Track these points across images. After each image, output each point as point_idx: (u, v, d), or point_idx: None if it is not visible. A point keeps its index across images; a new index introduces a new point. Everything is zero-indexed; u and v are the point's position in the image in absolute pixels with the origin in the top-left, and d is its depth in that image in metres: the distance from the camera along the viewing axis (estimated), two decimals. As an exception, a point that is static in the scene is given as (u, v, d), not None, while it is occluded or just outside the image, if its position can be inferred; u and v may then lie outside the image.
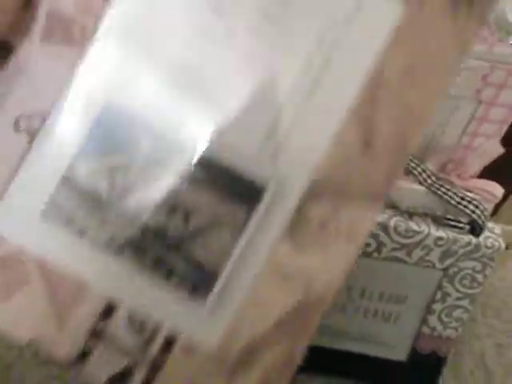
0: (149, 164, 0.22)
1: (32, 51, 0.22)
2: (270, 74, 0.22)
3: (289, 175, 0.22)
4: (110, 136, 0.22)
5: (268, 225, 0.22)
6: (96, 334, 0.22)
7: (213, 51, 0.22)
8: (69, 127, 0.22)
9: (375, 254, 0.42)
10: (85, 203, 0.22)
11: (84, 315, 0.22)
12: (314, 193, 0.22)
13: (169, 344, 0.22)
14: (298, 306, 0.22)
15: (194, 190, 0.22)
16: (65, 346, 0.22)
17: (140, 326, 0.22)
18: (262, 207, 0.22)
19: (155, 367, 0.22)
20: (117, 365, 0.22)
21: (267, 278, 0.22)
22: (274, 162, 0.22)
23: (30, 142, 0.22)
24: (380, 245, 0.41)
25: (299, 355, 0.22)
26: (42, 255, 0.22)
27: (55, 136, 0.22)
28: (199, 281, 0.22)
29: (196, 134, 0.22)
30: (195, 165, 0.22)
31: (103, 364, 0.22)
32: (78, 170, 0.22)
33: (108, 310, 0.22)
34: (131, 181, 0.22)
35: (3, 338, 0.22)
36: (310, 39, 0.22)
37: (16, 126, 0.22)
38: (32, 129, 0.22)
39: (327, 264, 0.22)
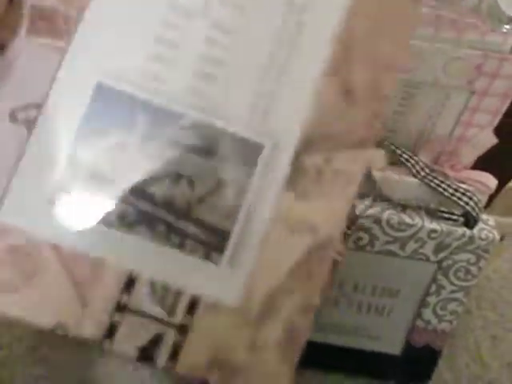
0: (146, 140, 0.23)
1: (20, 45, 0.23)
2: (247, 41, 0.24)
3: (281, 131, 0.23)
4: (105, 115, 0.23)
5: (269, 180, 0.23)
6: (120, 309, 0.23)
7: (190, 23, 0.23)
8: (64, 112, 0.23)
9: (368, 248, 0.41)
10: (90, 184, 0.23)
11: (105, 292, 0.23)
12: (306, 144, 0.24)
13: (193, 306, 0.23)
14: (309, 250, 0.23)
15: (195, 157, 0.23)
16: (91, 325, 0.23)
17: (162, 294, 0.23)
18: (260, 165, 0.23)
19: (183, 330, 0.23)
20: (145, 335, 0.23)
21: (276, 229, 0.23)
22: (266, 121, 0.23)
23: (29, 131, 0.23)
24: (373, 238, 0.41)
25: (318, 298, 0.24)
26: (56, 239, 0.23)
27: (52, 123, 0.23)
28: (212, 242, 0.23)
29: (187, 105, 0.23)
30: (192, 133, 0.23)
31: (131, 336, 0.23)
32: (78, 153, 0.23)
33: (129, 284, 0.23)
34: (131, 157, 0.23)
35: (30, 324, 0.22)
36: (280, 4, 0.24)
37: (13, 117, 0.23)
38: (29, 119, 0.23)
39: (329, 207, 0.24)
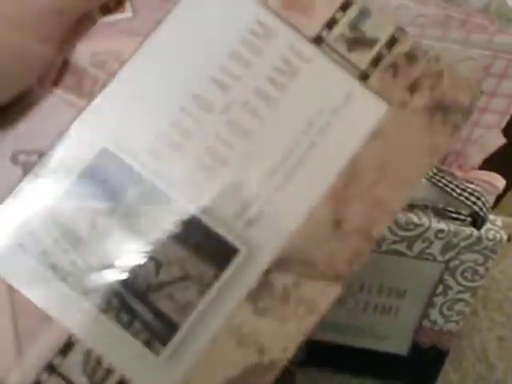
0: (131, 213, 0.23)
1: (42, 93, 0.24)
2: (254, 148, 0.24)
3: (260, 244, 0.23)
4: (100, 180, 0.23)
5: (234, 287, 0.23)
6: (50, 369, 0.22)
7: (207, 119, 0.24)
8: (63, 166, 0.23)
9: (375, 247, 0.41)
10: (63, 239, 0.23)
11: (41, 348, 0.22)
12: (281, 263, 0.23)
13: None
14: (251, 368, 0.23)
15: (169, 244, 0.23)
16: (17, 376, 0.22)
17: (94, 367, 0.22)
18: (230, 270, 0.23)
19: None
20: None
21: (224, 337, 0.23)
22: (249, 230, 0.23)
23: (24, 175, 0.23)
24: (380, 238, 0.41)
25: None
26: (14, 282, 0.23)
27: (48, 172, 0.23)
28: (159, 331, 0.23)
29: (179, 192, 0.23)
30: (175, 220, 0.23)
31: None
32: (63, 207, 0.23)
33: (66, 347, 0.22)
34: (111, 226, 0.23)
35: None
36: (300, 122, 0.24)
37: (14, 159, 0.23)
38: (29, 163, 0.23)
39: (284, 331, 0.23)
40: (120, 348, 0.22)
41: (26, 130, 0.24)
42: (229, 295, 0.23)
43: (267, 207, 0.24)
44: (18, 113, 0.24)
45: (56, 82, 0.24)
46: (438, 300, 0.44)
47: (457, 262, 0.42)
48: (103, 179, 0.23)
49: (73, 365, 0.22)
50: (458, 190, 0.40)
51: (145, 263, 0.23)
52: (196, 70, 0.24)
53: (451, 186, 0.40)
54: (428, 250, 0.42)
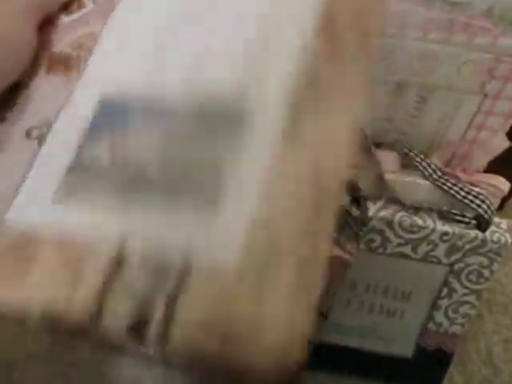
0: (142, 127, 0.25)
1: (39, 80, 0.29)
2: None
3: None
4: (108, 120, 0.26)
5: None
6: (110, 286, 0.22)
7: (181, 31, 0.27)
8: (72, 124, 0.26)
9: (380, 250, 0.42)
10: (91, 179, 0.24)
11: (96, 270, 0.22)
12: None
13: (186, 272, 0.21)
14: (312, 195, 0.22)
15: (185, 127, 0.24)
16: (80, 304, 0.22)
17: (153, 264, 0.22)
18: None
19: (174, 300, 0.21)
20: (134, 312, 0.21)
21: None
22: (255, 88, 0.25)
23: (39, 146, 0.26)
24: (385, 240, 0.41)
25: (324, 251, 0.22)
26: (56, 233, 0.24)
27: (61, 133, 0.26)
28: (205, 194, 0.22)
29: (177, 93, 0.26)
30: (175, 119, 0.25)
31: (120, 314, 0.21)
32: (82, 155, 0.25)
33: (119, 261, 0.22)
34: (129, 146, 0.25)
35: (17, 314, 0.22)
36: None
37: (28, 134, 0.27)
38: (41, 135, 0.27)
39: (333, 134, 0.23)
40: (174, 229, 0.22)
41: (33, 110, 0.28)
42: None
43: (267, 69, 0.25)
44: (23, 99, 0.28)
45: (48, 71, 0.29)
46: (443, 303, 0.44)
47: (462, 265, 0.42)
48: (110, 118, 0.26)
49: (131, 274, 0.22)
50: (463, 193, 0.40)
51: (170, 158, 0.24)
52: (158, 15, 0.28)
53: (456, 188, 0.40)
54: (433, 253, 0.42)
